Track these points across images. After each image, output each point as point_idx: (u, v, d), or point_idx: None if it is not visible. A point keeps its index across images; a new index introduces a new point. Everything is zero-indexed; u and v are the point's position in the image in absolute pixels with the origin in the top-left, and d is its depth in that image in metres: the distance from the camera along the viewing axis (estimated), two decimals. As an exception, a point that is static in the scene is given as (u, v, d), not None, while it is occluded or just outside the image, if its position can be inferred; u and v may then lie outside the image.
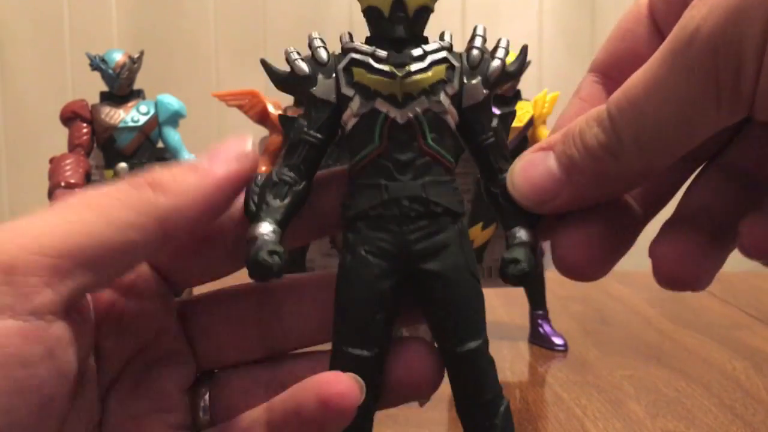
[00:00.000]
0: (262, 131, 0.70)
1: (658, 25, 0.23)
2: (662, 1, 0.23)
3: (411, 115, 0.22)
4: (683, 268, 0.21)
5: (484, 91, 0.23)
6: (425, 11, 0.22)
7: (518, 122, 0.65)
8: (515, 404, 0.51)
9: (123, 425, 0.23)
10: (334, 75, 0.23)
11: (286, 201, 0.22)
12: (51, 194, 0.61)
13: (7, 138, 1.09)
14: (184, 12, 1.07)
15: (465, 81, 0.23)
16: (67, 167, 0.62)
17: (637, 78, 0.19)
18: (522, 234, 0.23)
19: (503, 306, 0.78)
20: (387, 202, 0.22)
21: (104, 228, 0.19)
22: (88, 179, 0.64)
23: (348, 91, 0.22)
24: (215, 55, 1.07)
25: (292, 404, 0.22)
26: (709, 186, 0.23)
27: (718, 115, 0.18)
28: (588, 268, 0.22)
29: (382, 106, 0.22)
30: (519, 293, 0.67)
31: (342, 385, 0.21)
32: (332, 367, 0.23)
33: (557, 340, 0.64)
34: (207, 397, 0.25)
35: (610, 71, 0.24)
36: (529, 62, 0.66)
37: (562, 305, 0.76)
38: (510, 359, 0.61)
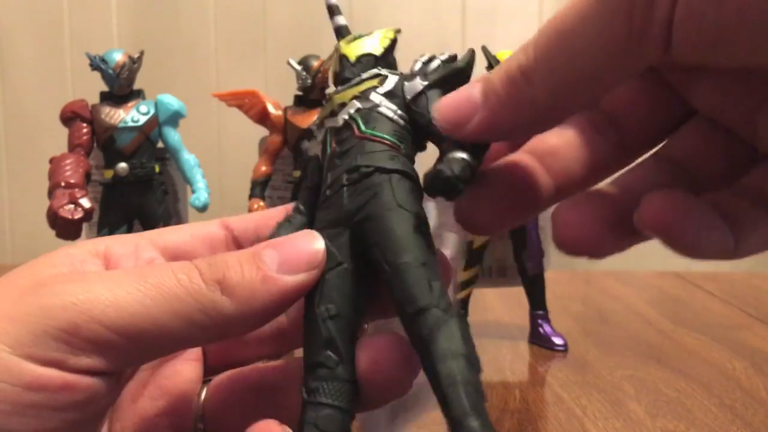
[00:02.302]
0: (262, 131, 0.70)
1: None
2: None
3: (345, 117, 0.25)
4: (583, 232, 0.21)
5: (423, 83, 0.25)
6: (368, 56, 0.26)
7: (518, 122, 0.65)
8: (515, 404, 0.51)
9: (134, 424, 0.24)
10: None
11: (291, 223, 0.24)
12: (51, 194, 0.61)
13: (7, 138, 1.09)
14: (184, 12, 1.07)
15: (405, 83, 0.25)
16: (67, 167, 0.62)
17: (564, 7, 0.19)
18: (461, 153, 0.22)
19: (503, 306, 0.78)
20: (331, 184, 0.24)
21: (168, 319, 0.20)
22: (88, 179, 0.64)
23: (317, 133, 0.26)
24: (215, 55, 1.07)
25: None
26: (636, 170, 0.23)
27: (630, 44, 0.18)
28: (482, 224, 0.23)
29: (327, 123, 0.25)
30: (519, 293, 0.67)
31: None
32: (304, 331, 0.22)
33: (557, 340, 0.64)
34: (201, 402, 0.25)
35: None
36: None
37: (562, 305, 0.76)
38: (510, 359, 0.62)
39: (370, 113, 0.24)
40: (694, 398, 0.52)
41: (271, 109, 0.68)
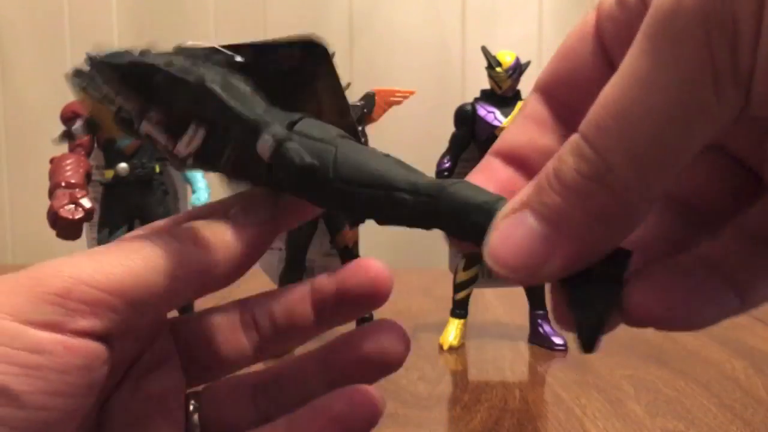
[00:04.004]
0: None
1: (605, 46, 0.21)
2: (610, 20, 0.20)
3: None
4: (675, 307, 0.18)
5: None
6: None
7: (518, 122, 0.65)
8: (515, 404, 0.51)
9: (128, 427, 0.24)
10: None
11: None
12: (51, 194, 0.61)
13: (7, 138, 1.09)
14: (184, 12, 1.07)
15: None
16: (68, 167, 0.62)
17: (613, 85, 0.16)
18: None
19: (503, 306, 0.78)
20: None
21: (152, 275, 0.21)
22: (88, 179, 0.64)
23: None
24: (215, 55, 1.08)
25: (312, 409, 0.24)
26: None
27: (718, 101, 0.16)
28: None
29: None
30: (519, 293, 0.67)
31: (368, 389, 0.24)
32: None
33: (557, 340, 0.64)
34: (194, 409, 0.26)
35: (554, 91, 0.22)
36: (529, 62, 0.66)
37: (562, 305, 0.76)
38: (510, 359, 0.62)
39: None
40: (693, 398, 0.52)
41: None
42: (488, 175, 0.22)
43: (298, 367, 0.26)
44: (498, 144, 0.23)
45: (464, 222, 0.20)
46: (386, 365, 0.25)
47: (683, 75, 0.15)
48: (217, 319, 0.27)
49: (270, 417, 0.26)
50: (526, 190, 0.18)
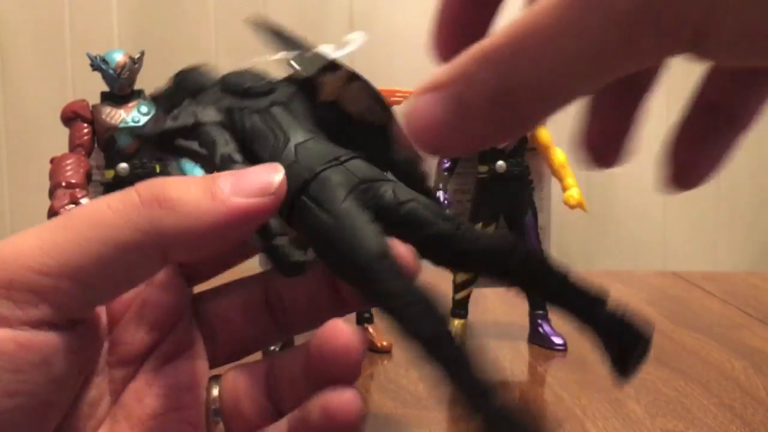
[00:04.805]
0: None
1: None
2: None
3: None
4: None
5: None
6: None
7: (518, 122, 0.66)
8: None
9: (143, 423, 0.24)
10: None
11: None
12: (52, 194, 0.62)
13: (7, 138, 1.09)
14: (184, 12, 1.07)
15: None
16: (68, 167, 0.62)
17: (531, 13, 0.15)
18: None
19: (503, 306, 0.78)
20: None
21: (102, 248, 0.19)
22: (88, 179, 0.64)
23: None
24: (215, 55, 1.08)
25: (301, 413, 0.22)
26: None
27: (656, 51, 0.15)
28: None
29: None
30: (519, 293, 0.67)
31: (344, 396, 0.21)
32: None
33: (557, 340, 0.64)
34: (216, 396, 0.25)
35: None
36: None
37: (562, 305, 0.76)
38: (510, 359, 0.62)
39: None
40: (693, 398, 0.52)
41: (271, 109, 0.68)
42: None
43: (292, 361, 0.24)
44: None
45: None
46: (343, 376, 0.22)
47: (621, 27, 0.14)
48: (241, 295, 0.25)
49: (282, 411, 0.24)
50: (443, 71, 0.17)
